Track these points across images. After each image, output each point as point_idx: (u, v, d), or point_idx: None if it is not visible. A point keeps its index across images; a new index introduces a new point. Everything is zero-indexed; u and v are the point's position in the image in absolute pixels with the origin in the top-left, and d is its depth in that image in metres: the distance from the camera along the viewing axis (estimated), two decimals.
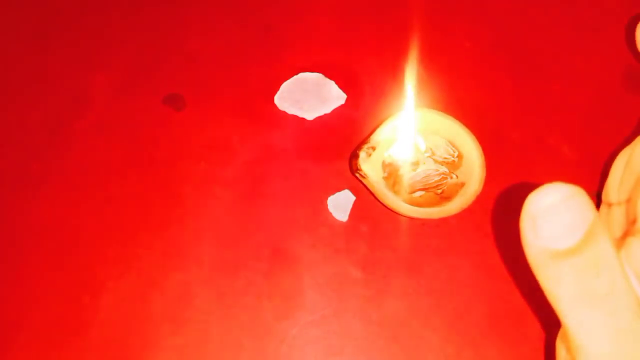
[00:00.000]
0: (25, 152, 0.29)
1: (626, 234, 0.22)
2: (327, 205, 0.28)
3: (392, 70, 0.31)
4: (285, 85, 0.30)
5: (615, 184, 0.25)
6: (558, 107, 0.30)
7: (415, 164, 0.28)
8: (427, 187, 0.27)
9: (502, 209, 0.27)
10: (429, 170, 0.27)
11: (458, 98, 0.30)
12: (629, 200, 0.23)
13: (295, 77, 0.30)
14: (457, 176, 0.27)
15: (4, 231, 0.27)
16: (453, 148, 0.27)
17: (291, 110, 0.30)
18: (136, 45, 0.32)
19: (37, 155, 0.29)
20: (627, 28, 0.31)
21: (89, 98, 0.30)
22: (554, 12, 0.32)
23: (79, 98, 0.30)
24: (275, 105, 0.30)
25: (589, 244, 0.15)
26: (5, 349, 0.25)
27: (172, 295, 0.26)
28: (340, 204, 0.27)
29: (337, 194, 0.28)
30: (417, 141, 0.28)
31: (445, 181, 0.27)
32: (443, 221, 0.27)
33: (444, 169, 0.27)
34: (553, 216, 0.15)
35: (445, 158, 0.27)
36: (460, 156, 0.27)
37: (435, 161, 0.27)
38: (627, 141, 0.24)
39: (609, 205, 0.25)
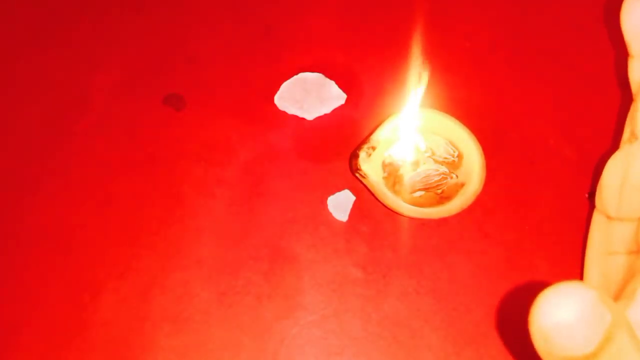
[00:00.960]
0: (25, 152, 0.29)
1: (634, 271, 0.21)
2: (327, 205, 0.28)
3: (392, 70, 0.31)
4: (285, 85, 0.30)
5: (613, 196, 0.23)
6: (558, 107, 0.30)
7: (415, 164, 0.28)
8: (427, 187, 0.27)
9: (502, 209, 0.28)
10: (429, 170, 0.27)
11: (458, 98, 0.30)
12: None
13: (295, 77, 0.30)
14: (457, 176, 0.27)
15: (4, 231, 0.27)
16: (453, 148, 0.27)
17: (291, 110, 0.30)
18: (136, 46, 0.32)
19: (37, 155, 0.29)
20: None
21: (89, 98, 0.30)
22: (553, 12, 0.32)
23: (79, 98, 0.30)
24: (275, 105, 0.30)
25: (608, 346, 0.14)
26: (6, 349, 0.25)
27: (172, 295, 0.26)
28: (340, 204, 0.27)
29: (337, 194, 0.28)
30: (417, 141, 0.28)
31: (445, 181, 0.27)
32: (443, 221, 0.27)
33: (444, 169, 0.27)
34: (570, 329, 0.14)
35: (446, 158, 0.27)
36: (460, 156, 0.27)
37: (436, 161, 0.27)
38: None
39: (608, 217, 0.24)
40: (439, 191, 0.27)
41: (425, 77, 0.31)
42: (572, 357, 0.15)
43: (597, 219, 0.25)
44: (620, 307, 0.16)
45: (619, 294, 0.20)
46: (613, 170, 0.23)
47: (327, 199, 0.28)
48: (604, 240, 0.24)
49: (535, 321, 0.15)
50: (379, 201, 0.26)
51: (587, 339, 0.14)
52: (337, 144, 0.29)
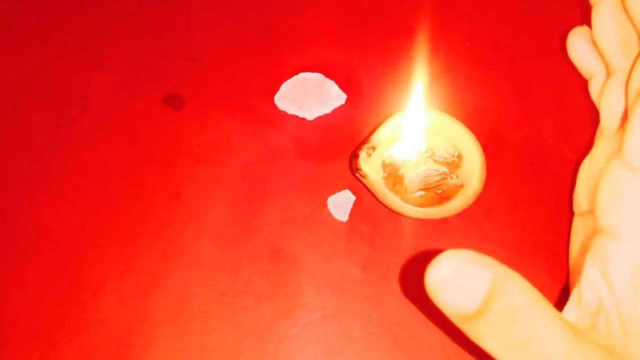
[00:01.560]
0: (25, 152, 0.29)
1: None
2: (327, 205, 0.28)
3: (392, 70, 0.31)
4: (286, 85, 0.30)
5: (584, 193, 0.25)
6: (558, 107, 0.30)
7: (416, 164, 0.28)
8: (427, 187, 0.27)
9: (502, 209, 0.28)
10: (429, 170, 0.27)
11: (458, 98, 0.30)
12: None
13: (295, 77, 0.30)
14: (457, 176, 0.27)
15: (4, 231, 0.27)
16: (453, 148, 0.27)
17: (291, 110, 0.30)
18: (136, 45, 0.32)
19: (37, 155, 0.29)
20: None
21: (88, 98, 0.30)
22: (554, 12, 0.32)
23: (79, 98, 0.30)
24: (275, 105, 0.30)
25: (494, 302, 0.16)
26: (5, 349, 0.25)
27: (172, 295, 0.26)
28: (341, 204, 0.27)
29: (337, 194, 0.28)
30: (417, 141, 0.28)
31: (445, 181, 0.27)
32: (443, 221, 0.27)
33: (444, 169, 0.27)
34: (451, 286, 0.16)
35: (446, 158, 0.27)
36: (460, 156, 0.27)
37: (436, 161, 0.28)
38: None
39: (582, 214, 0.25)
40: (439, 191, 0.27)
41: (425, 77, 0.31)
42: (465, 314, 0.16)
43: (575, 225, 0.25)
44: (501, 266, 0.17)
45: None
46: (586, 168, 0.25)
47: (327, 199, 0.28)
48: (583, 241, 0.24)
49: (426, 283, 0.17)
50: (379, 201, 0.26)
51: (470, 294, 0.16)
52: (337, 144, 0.29)
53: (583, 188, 0.25)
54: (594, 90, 0.25)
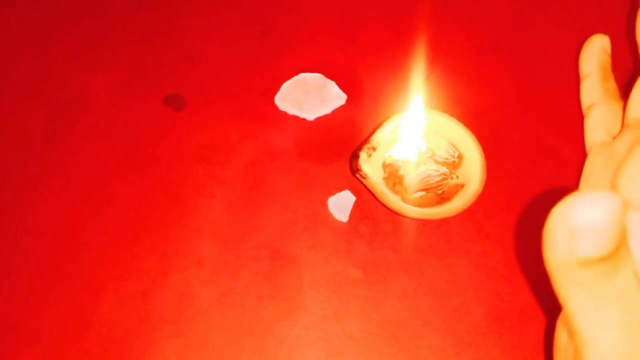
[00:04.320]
0: (25, 152, 0.29)
1: None
2: (327, 205, 0.28)
3: (393, 71, 0.31)
4: (286, 86, 0.30)
5: (604, 175, 0.25)
6: (558, 107, 0.30)
7: (416, 164, 0.28)
8: (427, 187, 0.27)
9: (502, 210, 0.28)
10: (430, 170, 0.27)
11: (458, 98, 0.30)
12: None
13: (295, 77, 0.30)
14: (457, 177, 0.27)
15: (4, 231, 0.27)
16: (453, 149, 0.27)
17: (291, 110, 0.30)
18: (136, 46, 0.32)
19: (37, 155, 0.29)
20: (627, 28, 0.31)
21: (89, 98, 0.30)
22: (554, 12, 0.32)
23: (79, 98, 0.30)
24: (275, 106, 0.30)
25: (618, 252, 0.15)
26: (6, 350, 0.25)
27: (172, 295, 0.26)
28: (341, 205, 0.27)
29: (338, 194, 0.28)
30: (418, 142, 0.28)
31: (445, 182, 0.27)
32: (443, 221, 0.27)
33: (444, 169, 0.27)
34: (594, 232, 0.15)
35: (446, 159, 0.27)
36: (460, 157, 0.27)
37: (436, 162, 0.28)
38: None
39: None
40: (440, 192, 0.27)
41: (425, 77, 0.31)
42: (586, 259, 0.15)
43: None
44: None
45: None
46: (596, 162, 0.25)
47: (327, 199, 0.28)
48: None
49: (563, 219, 0.15)
50: (380, 202, 0.26)
51: (608, 242, 0.15)
52: (338, 144, 0.29)
53: (600, 172, 0.25)
54: (585, 87, 0.28)
